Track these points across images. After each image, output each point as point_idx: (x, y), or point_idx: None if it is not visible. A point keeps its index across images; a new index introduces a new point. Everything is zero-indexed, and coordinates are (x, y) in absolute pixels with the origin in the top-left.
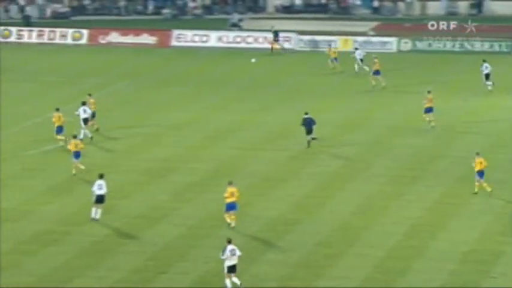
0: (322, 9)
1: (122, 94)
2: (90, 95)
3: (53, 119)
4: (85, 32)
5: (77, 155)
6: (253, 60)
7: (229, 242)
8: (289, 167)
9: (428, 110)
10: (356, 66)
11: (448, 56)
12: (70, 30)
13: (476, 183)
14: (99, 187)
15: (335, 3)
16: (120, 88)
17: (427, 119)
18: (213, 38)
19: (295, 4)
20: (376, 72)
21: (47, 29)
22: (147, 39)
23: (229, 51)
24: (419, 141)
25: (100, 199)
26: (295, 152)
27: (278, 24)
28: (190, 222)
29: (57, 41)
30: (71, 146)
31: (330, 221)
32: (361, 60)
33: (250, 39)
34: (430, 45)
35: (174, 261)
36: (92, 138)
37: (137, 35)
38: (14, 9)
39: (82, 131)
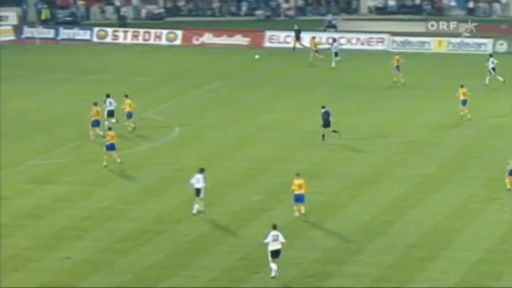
0: (416, 10)
1: (215, 95)
2: (126, 96)
3: (91, 113)
4: (179, 33)
5: (112, 147)
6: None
7: (274, 227)
8: (382, 169)
9: (463, 102)
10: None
11: None
12: (164, 31)
13: (507, 180)
14: (197, 180)
15: (429, 4)
16: (214, 89)
17: (462, 112)
18: (306, 39)
19: (388, 5)
20: (397, 68)
21: (141, 30)
22: (240, 40)
23: (322, 52)
24: None
25: (197, 192)
26: (389, 154)
27: (371, 26)
28: (283, 223)
29: (151, 41)
30: (108, 138)
31: (423, 224)
32: (336, 54)
33: (343, 41)
34: None
35: (266, 262)
36: (134, 128)
37: (230, 36)
38: (109, 10)
39: (106, 123)
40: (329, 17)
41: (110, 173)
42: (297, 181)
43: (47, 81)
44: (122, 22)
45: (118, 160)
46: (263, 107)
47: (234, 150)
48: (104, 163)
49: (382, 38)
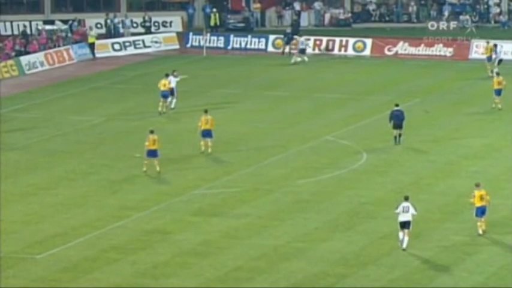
0: None
1: (410, 115)
2: (206, 111)
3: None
4: (368, 41)
5: (152, 153)
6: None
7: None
8: None
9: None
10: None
11: None
12: (351, 40)
13: None
14: (405, 211)
15: None
16: (409, 108)
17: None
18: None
19: None
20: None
21: (324, 38)
22: (441, 50)
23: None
24: None
25: (404, 225)
26: None
27: None
28: (491, 270)
29: (335, 51)
30: (149, 143)
31: None
32: (303, 50)
33: None
34: None
35: None
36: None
37: (430, 45)
38: (288, 15)
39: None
40: None
41: (287, 206)
42: (478, 192)
43: (216, 98)
44: (295, 29)
45: (157, 168)
46: (468, 131)
47: (433, 181)
48: (144, 168)
49: None
